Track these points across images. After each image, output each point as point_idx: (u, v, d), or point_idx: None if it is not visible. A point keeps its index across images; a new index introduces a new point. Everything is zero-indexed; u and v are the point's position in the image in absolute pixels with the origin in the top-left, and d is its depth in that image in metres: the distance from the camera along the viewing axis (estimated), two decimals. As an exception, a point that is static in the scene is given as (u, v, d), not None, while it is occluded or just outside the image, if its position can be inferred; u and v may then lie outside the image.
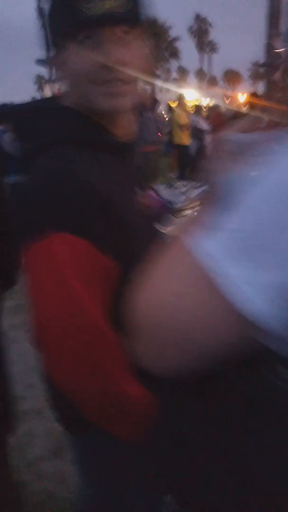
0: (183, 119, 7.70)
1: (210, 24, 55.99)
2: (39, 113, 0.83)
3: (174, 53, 47.48)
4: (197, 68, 63.46)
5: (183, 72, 60.77)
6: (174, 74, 55.17)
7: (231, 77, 64.95)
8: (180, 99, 8.29)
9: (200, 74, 64.58)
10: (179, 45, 48.24)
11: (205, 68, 62.19)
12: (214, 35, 55.76)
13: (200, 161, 6.86)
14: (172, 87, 8.44)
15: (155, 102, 7.80)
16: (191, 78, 65.92)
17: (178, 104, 8.30)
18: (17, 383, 1.39)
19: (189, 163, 7.49)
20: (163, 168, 7.65)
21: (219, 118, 8.49)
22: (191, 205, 2.25)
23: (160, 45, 44.69)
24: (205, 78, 62.28)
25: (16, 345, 2.14)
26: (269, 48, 12.78)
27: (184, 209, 2.22)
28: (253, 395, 0.67)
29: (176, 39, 47.71)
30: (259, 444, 0.67)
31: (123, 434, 0.77)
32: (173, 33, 46.56)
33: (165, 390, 0.65)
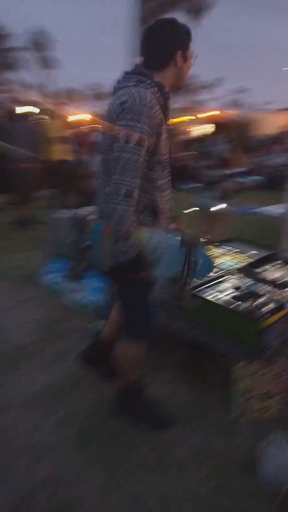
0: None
1: (54, 40, 55.86)
2: None
3: (14, 63, 45.32)
4: (38, 82, 62.29)
5: (23, 84, 58.95)
6: (15, 86, 53.05)
7: (73, 95, 65.70)
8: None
9: (42, 88, 63.74)
10: (21, 56, 46.43)
11: (48, 83, 61.66)
12: (58, 52, 55.51)
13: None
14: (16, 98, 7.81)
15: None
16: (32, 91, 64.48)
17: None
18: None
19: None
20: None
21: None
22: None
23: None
24: (47, 93, 61.54)
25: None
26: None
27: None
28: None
29: (15, 48, 45.59)
30: None
31: None
32: (16, 43, 44.60)
33: None
